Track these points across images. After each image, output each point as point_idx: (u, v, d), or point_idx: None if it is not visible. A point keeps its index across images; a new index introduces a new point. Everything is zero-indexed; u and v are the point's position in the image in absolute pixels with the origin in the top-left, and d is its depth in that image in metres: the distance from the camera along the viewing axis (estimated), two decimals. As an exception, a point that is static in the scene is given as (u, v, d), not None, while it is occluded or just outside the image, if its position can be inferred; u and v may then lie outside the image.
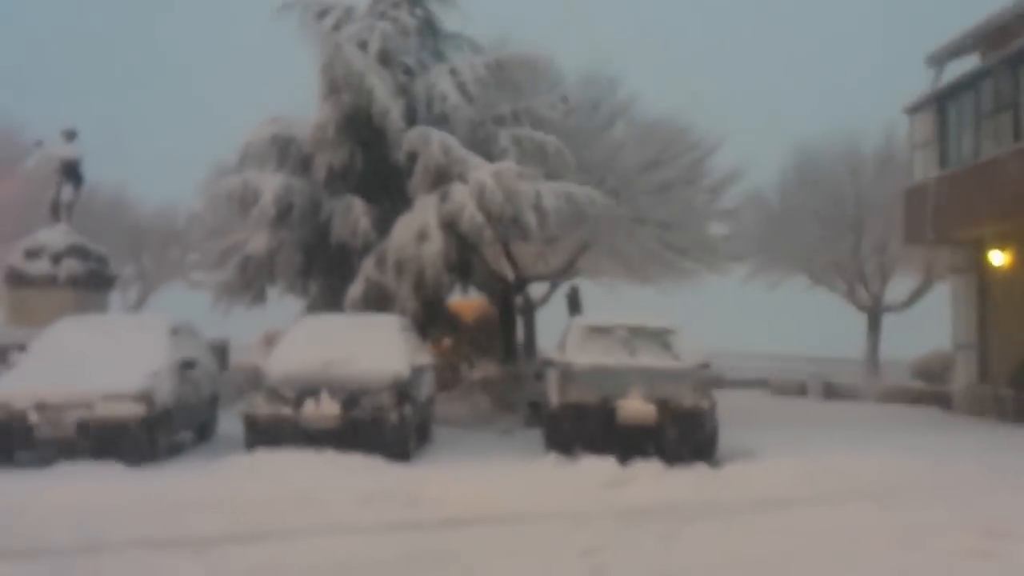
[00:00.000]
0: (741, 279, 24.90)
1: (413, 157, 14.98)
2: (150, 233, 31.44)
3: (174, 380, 10.85)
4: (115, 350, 10.57)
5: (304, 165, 15.84)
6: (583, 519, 7.69)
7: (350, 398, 10.31)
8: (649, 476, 9.61)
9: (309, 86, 15.60)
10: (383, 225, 14.95)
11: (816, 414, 17.15)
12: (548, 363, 12.11)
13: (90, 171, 18.01)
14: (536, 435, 12.12)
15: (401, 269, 14.42)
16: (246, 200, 15.11)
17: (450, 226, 14.21)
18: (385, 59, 15.74)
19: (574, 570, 6.20)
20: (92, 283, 16.77)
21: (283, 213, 15.16)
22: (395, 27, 16.08)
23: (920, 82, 18.09)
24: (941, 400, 18.55)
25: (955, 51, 17.49)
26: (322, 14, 16.37)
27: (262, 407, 10.46)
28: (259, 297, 16.25)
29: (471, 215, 13.92)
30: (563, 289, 19.99)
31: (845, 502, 8.55)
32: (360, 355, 10.77)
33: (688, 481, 9.51)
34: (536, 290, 20.89)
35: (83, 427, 9.81)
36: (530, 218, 14.34)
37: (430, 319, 15.41)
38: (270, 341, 14.18)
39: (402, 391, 10.57)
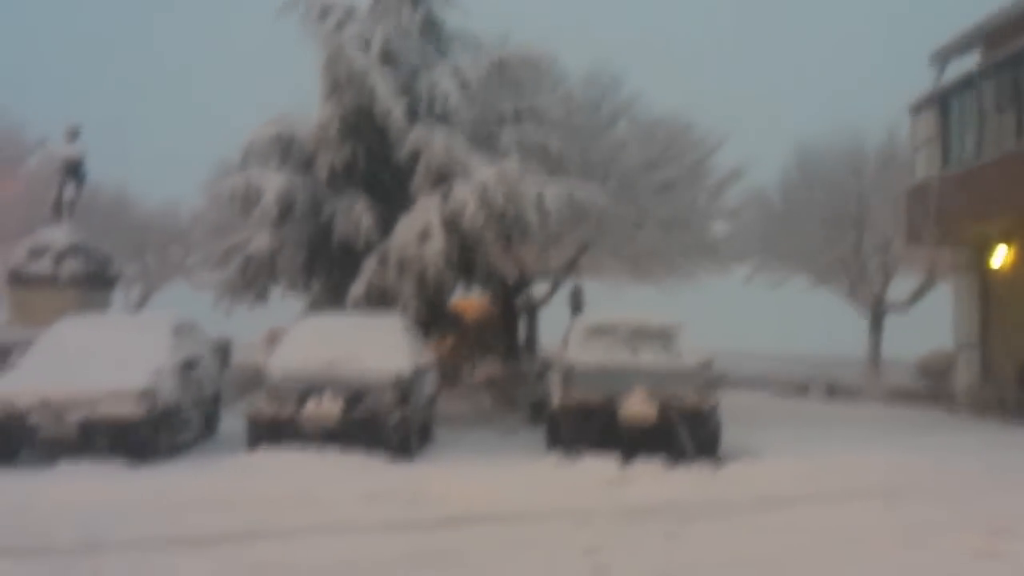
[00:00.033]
0: (743, 278, 24.83)
1: (415, 156, 15.00)
2: (152, 232, 31.36)
3: (176, 379, 10.84)
4: (117, 349, 10.58)
5: (306, 164, 15.84)
6: (585, 518, 7.69)
7: (352, 397, 10.32)
8: (651, 475, 9.63)
9: (311, 86, 15.63)
10: (385, 224, 14.96)
11: (818, 414, 17.10)
12: (550, 362, 12.10)
13: (92, 170, 18.04)
14: (538, 434, 12.10)
15: (403, 268, 14.43)
16: (248, 199, 15.11)
17: (452, 225, 14.20)
18: (387, 58, 15.75)
19: (576, 569, 6.19)
20: (94, 282, 16.76)
21: (285, 212, 15.18)
22: (397, 27, 16.09)
23: (923, 81, 18.09)
24: (943, 399, 18.53)
25: (957, 50, 17.47)
26: (324, 14, 16.38)
27: (264, 406, 10.49)
28: (261, 296, 16.25)
29: (473, 214, 13.93)
30: (565, 288, 19.99)
31: (848, 501, 8.55)
32: (362, 354, 10.78)
33: (691, 480, 9.52)
34: (538, 289, 20.86)
35: (86, 426, 9.81)
36: (532, 217, 14.35)
37: (432, 318, 15.44)
38: (273, 340, 14.15)
39: (404, 390, 10.57)
